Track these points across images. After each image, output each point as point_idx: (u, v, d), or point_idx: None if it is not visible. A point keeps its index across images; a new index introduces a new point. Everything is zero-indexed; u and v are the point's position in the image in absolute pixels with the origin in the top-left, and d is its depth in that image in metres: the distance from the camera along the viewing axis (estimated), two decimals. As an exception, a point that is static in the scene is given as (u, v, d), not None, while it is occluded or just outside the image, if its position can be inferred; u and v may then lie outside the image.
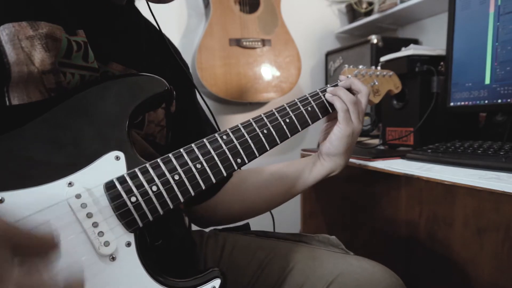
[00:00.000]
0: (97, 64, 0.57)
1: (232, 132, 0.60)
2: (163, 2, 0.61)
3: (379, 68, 0.88)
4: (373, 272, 0.65)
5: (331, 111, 0.73)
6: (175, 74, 0.74)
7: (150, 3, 0.63)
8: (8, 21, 0.48)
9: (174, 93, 0.60)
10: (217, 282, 0.51)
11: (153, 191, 0.51)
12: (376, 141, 1.30)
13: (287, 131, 0.66)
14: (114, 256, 0.48)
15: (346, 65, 0.84)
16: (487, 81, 0.95)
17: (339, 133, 0.71)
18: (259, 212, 0.81)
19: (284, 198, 0.79)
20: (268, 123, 0.64)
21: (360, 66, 0.84)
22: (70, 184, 0.48)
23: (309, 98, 0.70)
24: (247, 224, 0.86)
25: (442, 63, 1.10)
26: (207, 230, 0.84)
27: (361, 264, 0.66)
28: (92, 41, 0.57)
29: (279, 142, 0.65)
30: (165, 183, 0.52)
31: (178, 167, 0.53)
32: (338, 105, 0.70)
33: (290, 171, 0.78)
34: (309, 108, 0.69)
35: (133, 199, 0.50)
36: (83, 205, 0.48)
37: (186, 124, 0.75)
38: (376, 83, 0.83)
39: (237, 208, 0.80)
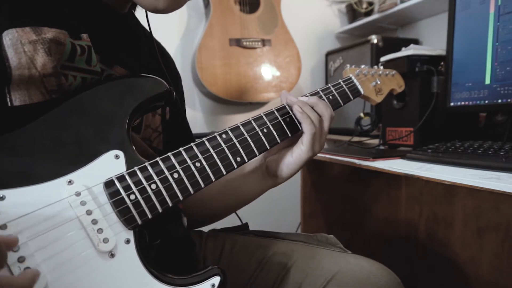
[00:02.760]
0: (100, 67, 0.58)
1: (231, 131, 0.60)
2: (163, 12, 0.61)
3: (381, 67, 0.88)
4: (371, 270, 0.65)
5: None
6: (172, 81, 0.75)
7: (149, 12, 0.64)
8: (12, 27, 0.49)
9: (174, 93, 0.60)
10: (216, 279, 0.51)
11: (152, 189, 0.51)
12: (376, 141, 1.30)
13: (287, 130, 0.66)
14: (113, 252, 0.48)
15: (348, 65, 0.83)
16: (487, 81, 0.95)
17: (299, 157, 0.67)
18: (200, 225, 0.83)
19: (229, 212, 0.80)
20: (268, 122, 0.64)
21: (362, 66, 0.84)
22: (70, 182, 0.48)
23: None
24: (246, 224, 0.87)
25: (442, 63, 1.10)
26: (206, 230, 0.85)
27: (359, 262, 0.67)
28: (96, 44, 0.58)
29: (279, 141, 0.65)
30: (164, 181, 0.52)
31: (177, 165, 0.54)
32: (307, 126, 0.65)
33: (240, 185, 0.76)
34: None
35: (132, 196, 0.50)
36: (83, 203, 0.48)
37: (176, 132, 0.76)
38: (379, 83, 0.83)
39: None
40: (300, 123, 0.66)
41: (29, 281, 0.36)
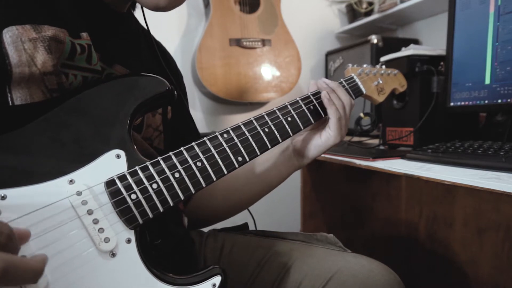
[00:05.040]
0: (100, 66, 0.58)
1: (233, 130, 0.60)
2: (164, 10, 0.61)
3: (383, 66, 0.87)
4: (370, 269, 0.65)
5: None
6: (174, 79, 0.75)
7: (151, 11, 0.64)
8: (12, 24, 0.49)
9: (176, 93, 0.60)
10: (217, 279, 0.51)
11: (153, 189, 0.51)
12: (376, 141, 1.31)
13: (288, 129, 0.66)
14: (114, 252, 0.48)
15: (350, 64, 0.83)
16: (487, 81, 0.95)
17: (328, 141, 0.70)
18: (240, 209, 0.83)
19: (256, 199, 0.81)
20: (269, 121, 0.64)
21: (365, 65, 0.84)
22: (71, 181, 0.48)
23: (311, 96, 0.70)
24: (246, 223, 0.87)
25: (442, 63, 1.10)
26: (206, 230, 0.85)
27: (359, 261, 0.67)
28: (97, 42, 0.58)
29: (280, 141, 0.65)
30: (165, 180, 0.52)
31: (178, 165, 0.54)
32: (332, 112, 0.68)
33: (267, 169, 0.77)
34: (311, 107, 0.69)
35: (133, 196, 0.50)
36: (84, 202, 0.48)
37: (179, 131, 0.76)
38: (381, 82, 0.83)
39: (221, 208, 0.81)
40: (322, 111, 0.69)
41: (41, 263, 0.35)
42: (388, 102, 1.18)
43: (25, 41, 0.49)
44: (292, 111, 0.67)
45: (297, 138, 0.74)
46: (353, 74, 0.79)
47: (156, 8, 0.61)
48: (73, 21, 0.56)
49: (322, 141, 0.71)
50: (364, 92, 0.79)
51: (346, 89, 0.75)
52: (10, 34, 0.49)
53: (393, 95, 1.06)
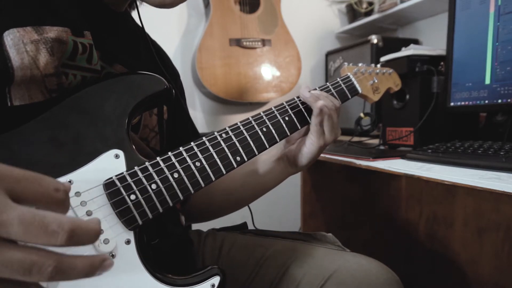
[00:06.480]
0: (100, 65, 0.58)
1: (231, 130, 0.60)
2: (169, 6, 0.61)
3: (378, 66, 0.88)
4: (369, 268, 0.65)
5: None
6: (171, 78, 0.75)
7: (153, 8, 0.64)
8: (13, 26, 0.49)
9: (174, 92, 0.60)
10: (216, 279, 0.51)
11: (152, 189, 0.51)
12: (376, 141, 1.30)
13: (286, 129, 0.66)
14: (113, 253, 0.48)
15: (346, 63, 0.84)
16: (487, 81, 0.95)
17: (312, 146, 0.70)
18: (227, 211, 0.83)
19: (252, 200, 0.81)
20: (267, 121, 0.64)
21: (360, 64, 0.84)
22: (69, 182, 0.48)
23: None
24: (245, 223, 0.87)
25: (442, 63, 1.10)
26: (205, 230, 0.85)
27: (358, 260, 0.67)
28: (98, 41, 0.58)
29: (278, 140, 0.65)
30: (165, 180, 0.52)
31: (177, 165, 0.53)
32: (315, 120, 0.68)
33: (264, 174, 0.77)
34: (308, 106, 0.69)
35: (133, 197, 0.50)
36: (83, 203, 0.48)
37: (176, 132, 0.76)
38: (376, 81, 0.83)
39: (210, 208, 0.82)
40: (303, 120, 0.68)
41: (98, 225, 0.33)
42: (388, 102, 1.18)
43: (27, 43, 0.49)
44: (289, 110, 0.67)
45: (290, 147, 0.74)
46: (349, 73, 0.79)
47: (162, 5, 0.61)
48: (75, 19, 0.56)
49: (307, 149, 0.70)
50: (360, 92, 0.79)
51: (342, 89, 0.75)
52: (11, 36, 0.48)
53: (392, 95, 1.06)
